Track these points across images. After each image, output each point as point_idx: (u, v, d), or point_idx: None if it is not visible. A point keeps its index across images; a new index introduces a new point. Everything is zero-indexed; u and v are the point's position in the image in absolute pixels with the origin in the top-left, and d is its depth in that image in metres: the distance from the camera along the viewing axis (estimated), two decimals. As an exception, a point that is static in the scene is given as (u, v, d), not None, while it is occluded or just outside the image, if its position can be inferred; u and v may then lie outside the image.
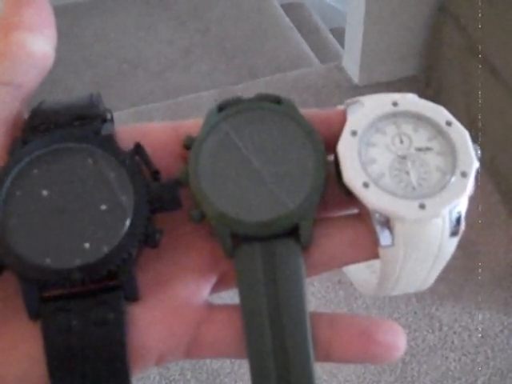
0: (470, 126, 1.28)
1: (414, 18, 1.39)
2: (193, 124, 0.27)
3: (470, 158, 0.26)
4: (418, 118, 0.26)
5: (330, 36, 1.83)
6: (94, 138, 0.25)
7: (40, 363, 0.23)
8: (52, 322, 0.23)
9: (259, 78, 1.55)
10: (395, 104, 0.27)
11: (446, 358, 1.04)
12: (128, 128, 0.27)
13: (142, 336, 0.24)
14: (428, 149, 0.26)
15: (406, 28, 1.40)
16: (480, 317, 1.08)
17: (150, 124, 0.27)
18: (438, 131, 0.26)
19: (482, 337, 1.06)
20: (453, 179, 0.25)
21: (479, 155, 0.26)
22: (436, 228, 0.25)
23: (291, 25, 1.78)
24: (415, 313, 1.09)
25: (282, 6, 1.85)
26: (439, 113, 0.27)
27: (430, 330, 1.07)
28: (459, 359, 1.04)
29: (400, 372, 1.04)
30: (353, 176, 0.25)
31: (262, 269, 0.25)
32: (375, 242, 0.25)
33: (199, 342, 0.24)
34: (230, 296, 0.26)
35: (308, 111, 0.27)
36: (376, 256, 0.26)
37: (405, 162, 0.26)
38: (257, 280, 0.24)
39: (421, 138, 0.26)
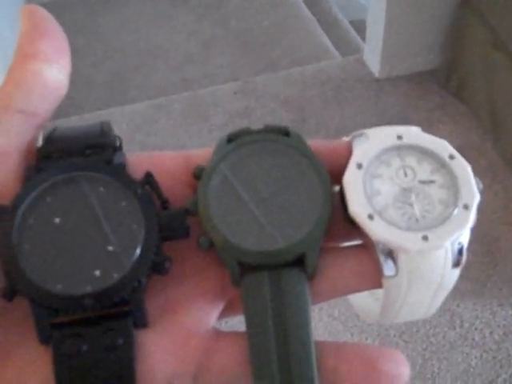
0: (491, 120, 1.26)
1: (436, 12, 1.38)
2: (203, 154, 0.27)
3: (472, 191, 0.26)
4: (422, 152, 0.27)
5: (351, 29, 1.82)
6: (106, 167, 0.25)
7: None
8: (62, 347, 0.23)
9: (279, 71, 1.55)
10: (400, 137, 0.27)
11: (467, 354, 1.04)
12: (139, 157, 0.27)
13: (150, 362, 0.24)
14: (431, 181, 0.27)
15: (427, 21, 1.39)
16: (502, 313, 1.07)
17: (161, 153, 0.28)
18: (441, 164, 0.27)
19: (504, 333, 1.05)
20: (455, 211, 0.26)
21: (481, 188, 0.26)
22: (439, 259, 0.25)
23: (311, 17, 1.77)
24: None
25: (302, -2, 1.84)
26: (442, 146, 0.27)
27: (451, 327, 1.07)
28: (480, 356, 1.03)
29: (420, 368, 1.03)
30: (358, 208, 0.26)
31: (268, 297, 0.25)
32: (379, 272, 0.25)
33: (206, 370, 0.25)
34: (239, 320, 0.26)
35: (315, 143, 0.27)
36: (380, 285, 0.26)
37: (409, 195, 0.26)
38: (263, 308, 0.25)
39: (424, 170, 0.27)
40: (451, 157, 0.27)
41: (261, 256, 0.25)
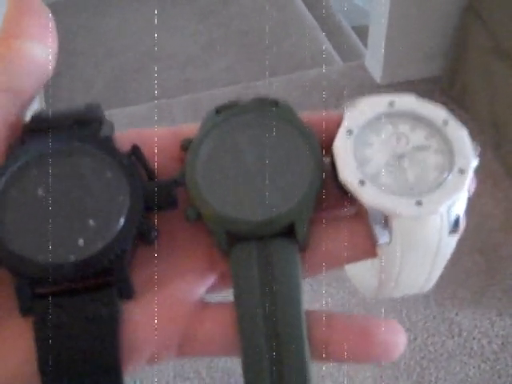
0: (493, 128, 1.26)
1: (439, 18, 1.38)
2: (191, 128, 0.27)
3: (468, 155, 0.26)
4: (415, 118, 0.26)
5: (353, 34, 1.81)
6: (92, 139, 0.25)
7: (32, 361, 0.23)
8: (44, 318, 0.23)
9: (280, 75, 1.55)
10: (392, 104, 0.27)
11: (465, 364, 1.03)
12: (127, 133, 0.27)
13: (134, 333, 0.24)
14: (425, 147, 0.26)
15: (430, 28, 1.39)
16: (501, 323, 1.07)
17: (149, 129, 0.27)
18: (436, 130, 0.26)
19: (503, 344, 1.05)
20: (450, 176, 0.25)
21: (479, 151, 0.26)
22: (434, 225, 0.25)
23: (313, 22, 1.77)
24: (434, 317, 1.08)
25: (305, 2, 1.84)
26: (436, 112, 0.27)
27: (450, 336, 1.06)
28: (478, 366, 1.03)
29: (417, 377, 1.03)
30: (349, 174, 0.25)
31: (257, 268, 0.25)
32: (373, 240, 0.25)
33: (192, 340, 0.24)
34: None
35: (305, 114, 0.27)
36: (374, 255, 0.25)
37: (402, 161, 0.26)
38: (252, 279, 0.24)
39: (418, 136, 0.26)
40: (445, 122, 0.26)
41: (249, 226, 0.25)
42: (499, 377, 1.02)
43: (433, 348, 1.05)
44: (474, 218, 1.14)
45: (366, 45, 1.56)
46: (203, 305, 0.25)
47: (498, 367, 1.02)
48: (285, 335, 0.24)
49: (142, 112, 1.50)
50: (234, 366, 1.03)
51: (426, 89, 1.43)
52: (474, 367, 1.03)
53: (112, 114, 1.48)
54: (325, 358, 0.24)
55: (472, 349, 1.05)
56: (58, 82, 1.60)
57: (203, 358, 0.25)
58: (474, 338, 1.06)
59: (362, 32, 1.70)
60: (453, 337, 1.06)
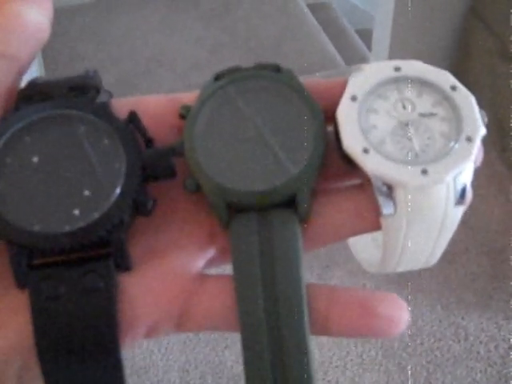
0: (497, 130, 1.25)
1: (443, 21, 1.37)
2: (190, 95, 0.26)
3: (476, 123, 0.25)
4: (422, 84, 0.26)
5: (357, 38, 1.81)
6: (88, 105, 0.25)
7: (28, 334, 0.22)
8: (40, 290, 0.22)
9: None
10: (398, 69, 0.26)
11: (472, 368, 1.03)
12: (124, 100, 0.26)
13: (131, 305, 0.23)
14: (432, 114, 0.25)
15: (434, 31, 1.38)
16: (508, 327, 1.06)
17: (147, 96, 0.27)
18: (443, 96, 0.25)
19: (509, 348, 1.04)
20: (457, 145, 0.24)
21: (486, 121, 0.25)
22: (440, 195, 0.24)
23: (318, 25, 1.77)
24: (440, 321, 1.07)
25: (309, 6, 1.84)
26: (444, 77, 0.26)
27: (456, 340, 1.06)
28: (485, 370, 1.02)
29: (424, 382, 1.02)
30: (352, 142, 0.24)
31: (257, 239, 0.24)
32: (377, 212, 0.24)
33: (190, 314, 0.24)
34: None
35: (309, 80, 0.26)
36: (378, 227, 0.25)
37: (407, 128, 0.25)
38: (251, 250, 0.24)
39: (424, 103, 0.25)
40: (453, 88, 0.26)
41: (249, 196, 0.24)
42: (506, 381, 1.01)
43: (439, 352, 1.04)
44: (480, 220, 1.13)
45: (369, 48, 1.55)
46: (202, 278, 0.25)
47: (504, 371, 1.02)
48: (284, 308, 0.23)
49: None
50: (240, 372, 1.03)
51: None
52: (480, 371, 1.02)
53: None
54: (325, 332, 0.24)
55: (478, 353, 1.04)
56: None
57: (203, 331, 0.25)
58: (480, 342, 1.05)
59: (366, 35, 1.70)
60: (459, 341, 1.06)
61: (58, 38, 1.70)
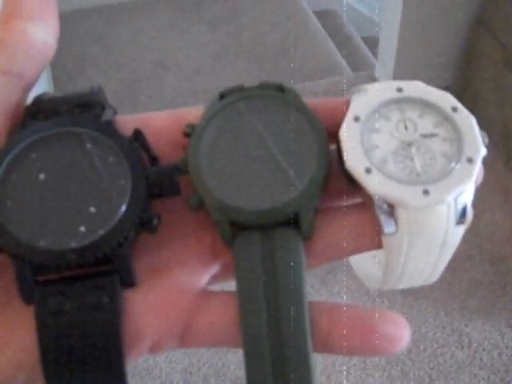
0: (503, 139, 1.26)
1: (450, 30, 1.38)
2: (195, 112, 0.26)
3: (477, 144, 0.25)
4: (424, 104, 0.26)
5: (363, 44, 1.82)
6: (94, 123, 0.25)
7: (34, 349, 0.22)
8: (45, 306, 0.23)
9: (290, 85, 1.55)
10: (400, 90, 0.26)
11: (475, 375, 1.03)
12: (129, 116, 0.26)
13: (136, 321, 0.23)
14: (433, 135, 0.25)
15: (440, 39, 1.39)
16: (511, 334, 1.06)
17: (152, 113, 0.27)
18: (444, 117, 0.26)
19: (513, 355, 1.04)
20: (458, 165, 0.25)
21: (487, 142, 0.25)
22: (441, 215, 0.24)
23: (324, 32, 1.77)
24: (444, 328, 1.07)
25: (315, 13, 1.84)
26: (445, 99, 0.26)
27: (459, 347, 1.06)
28: (488, 377, 1.02)
29: (427, 388, 1.02)
30: (355, 161, 0.24)
31: (260, 257, 0.24)
32: (379, 230, 0.24)
33: (194, 330, 0.24)
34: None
35: (311, 100, 0.26)
36: (380, 245, 0.25)
37: (409, 149, 0.25)
38: (255, 268, 0.24)
39: (426, 124, 0.26)
40: (454, 109, 0.26)
41: (253, 215, 0.24)
42: (509, 388, 1.01)
43: (442, 359, 1.04)
44: (485, 228, 1.13)
45: (375, 55, 1.56)
46: (206, 294, 0.25)
47: (507, 379, 1.02)
48: (287, 326, 0.23)
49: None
50: (243, 375, 1.03)
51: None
52: (483, 379, 1.02)
53: (122, 122, 1.48)
54: (326, 349, 0.24)
55: (482, 360, 1.04)
56: (69, 90, 1.61)
57: (206, 347, 0.25)
58: (483, 350, 1.05)
59: (372, 43, 1.71)
60: (462, 348, 1.05)
61: (64, 42, 1.71)
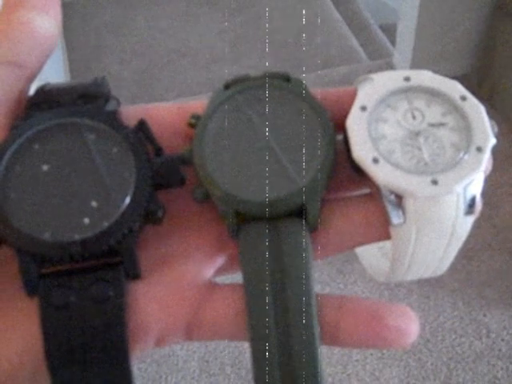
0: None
1: (469, 17, 1.36)
2: (200, 103, 0.26)
3: (486, 133, 0.25)
4: (432, 94, 0.26)
5: (380, 32, 1.80)
6: (97, 113, 0.25)
7: (38, 342, 0.22)
8: (50, 298, 0.22)
9: (307, 73, 1.54)
10: (407, 79, 0.26)
11: (493, 365, 1.02)
12: (133, 107, 0.26)
13: (141, 314, 0.23)
14: (442, 124, 0.25)
15: (459, 26, 1.37)
16: (530, 325, 1.05)
17: (157, 104, 0.27)
18: (453, 106, 0.25)
19: (531, 346, 1.03)
20: (467, 155, 0.24)
21: (496, 131, 0.25)
22: (449, 205, 0.24)
23: (341, 19, 1.76)
24: (462, 318, 1.07)
25: (332, 0, 1.83)
26: (453, 88, 0.26)
27: (477, 337, 1.05)
28: (507, 368, 1.02)
29: (444, 378, 1.02)
30: (362, 151, 0.24)
31: (266, 248, 0.24)
32: (386, 221, 0.24)
33: (200, 323, 0.24)
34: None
35: (318, 90, 0.26)
36: (388, 236, 0.25)
37: (417, 138, 0.25)
38: (261, 259, 0.24)
39: (434, 113, 0.25)
40: (463, 98, 0.25)
41: (259, 206, 0.24)
42: (528, 379, 1.01)
43: (460, 349, 1.04)
44: (503, 217, 1.12)
45: (392, 43, 1.55)
46: (211, 286, 0.25)
47: (526, 369, 1.01)
48: (294, 318, 0.23)
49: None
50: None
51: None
52: (502, 369, 1.02)
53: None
54: (334, 342, 0.24)
55: (500, 350, 1.03)
56: (85, 78, 1.61)
57: (213, 340, 0.25)
58: (502, 340, 1.04)
59: (390, 30, 1.69)
60: (480, 338, 1.05)
61: (81, 30, 1.71)
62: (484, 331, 1.05)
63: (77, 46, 1.67)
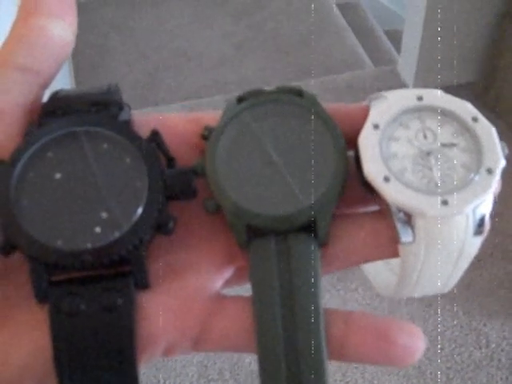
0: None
1: (476, 24, 1.36)
2: (213, 115, 0.26)
3: (497, 155, 0.25)
4: (444, 114, 0.26)
5: (385, 38, 1.80)
6: (111, 122, 0.25)
7: (46, 349, 0.22)
8: (59, 306, 0.23)
9: (311, 78, 1.54)
10: (420, 98, 0.26)
11: (492, 376, 1.02)
12: (146, 117, 0.26)
13: (150, 324, 0.23)
14: (453, 145, 0.25)
15: (466, 33, 1.37)
16: (530, 336, 1.05)
17: (170, 114, 0.27)
18: (464, 127, 0.26)
19: (531, 357, 1.03)
20: (478, 176, 0.25)
21: (506, 153, 0.25)
22: (459, 226, 0.24)
23: (346, 25, 1.76)
24: (462, 327, 1.06)
25: (338, 5, 1.83)
26: (465, 108, 0.26)
27: (477, 346, 1.05)
28: (506, 378, 1.01)
29: (443, 387, 1.01)
30: (373, 169, 0.24)
31: (276, 262, 0.24)
32: (396, 239, 0.24)
33: (207, 334, 0.24)
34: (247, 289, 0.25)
35: (330, 106, 0.26)
36: (396, 254, 0.25)
37: (428, 158, 0.25)
38: (270, 273, 0.24)
39: (446, 133, 0.26)
40: (475, 119, 0.26)
41: (269, 220, 0.24)
42: (527, 390, 1.00)
43: (459, 359, 1.03)
44: (506, 226, 1.12)
45: (397, 50, 1.55)
46: (220, 298, 0.25)
47: (526, 380, 1.01)
48: (302, 333, 0.23)
49: (173, 111, 1.50)
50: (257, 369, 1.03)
51: (459, 95, 1.41)
52: (501, 379, 1.01)
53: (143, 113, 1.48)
54: (341, 357, 0.24)
55: (500, 361, 1.03)
56: (91, 80, 1.62)
57: (221, 352, 0.25)
58: (502, 350, 1.04)
59: (395, 36, 1.69)
60: (480, 348, 1.05)
61: (85, 32, 1.72)
62: (484, 341, 1.05)
63: (82, 48, 1.67)
